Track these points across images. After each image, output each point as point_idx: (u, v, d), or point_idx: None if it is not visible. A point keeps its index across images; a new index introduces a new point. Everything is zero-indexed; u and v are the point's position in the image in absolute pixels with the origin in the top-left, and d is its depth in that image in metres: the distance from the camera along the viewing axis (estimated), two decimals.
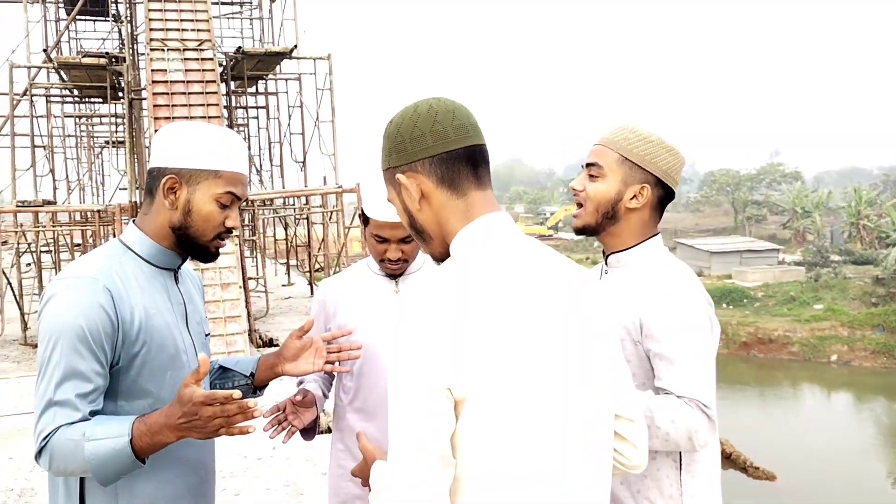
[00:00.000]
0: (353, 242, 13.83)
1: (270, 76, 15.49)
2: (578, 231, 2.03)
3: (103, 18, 16.23)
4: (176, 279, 1.86)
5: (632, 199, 1.91)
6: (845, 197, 43.93)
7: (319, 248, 14.89)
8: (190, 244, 1.80)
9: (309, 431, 2.45)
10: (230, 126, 14.31)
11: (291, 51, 13.05)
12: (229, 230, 1.83)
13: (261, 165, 16.77)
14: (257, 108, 17.68)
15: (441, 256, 1.41)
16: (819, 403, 26.83)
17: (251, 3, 17.08)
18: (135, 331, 1.67)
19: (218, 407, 1.56)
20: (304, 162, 15.28)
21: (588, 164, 1.97)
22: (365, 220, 2.40)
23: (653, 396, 1.76)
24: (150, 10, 11.85)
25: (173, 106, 11.14)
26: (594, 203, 1.94)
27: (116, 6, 14.93)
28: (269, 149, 16.78)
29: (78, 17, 14.87)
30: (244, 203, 12.86)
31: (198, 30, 11.86)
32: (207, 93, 11.34)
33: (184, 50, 11.61)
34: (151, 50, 11.42)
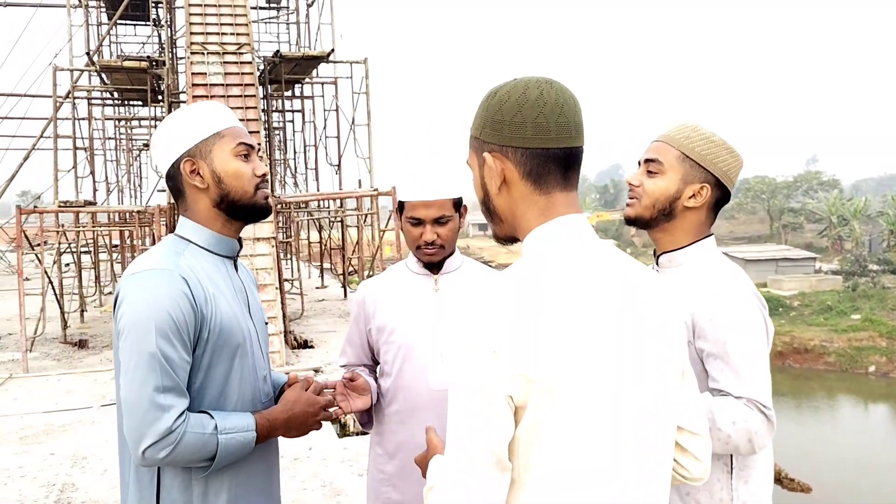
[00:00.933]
0: (386, 246, 13.83)
1: (307, 80, 15.63)
2: (629, 221, 1.99)
3: (144, 23, 16.54)
4: (235, 267, 1.89)
5: (690, 197, 1.88)
6: (884, 205, 43.02)
7: (354, 251, 14.96)
8: (238, 208, 1.82)
9: (366, 422, 2.46)
10: (267, 129, 14.44)
11: (329, 55, 13.15)
12: (263, 178, 1.84)
13: (296, 168, 16.91)
14: (293, 111, 17.87)
15: (505, 239, 1.39)
16: (856, 415, 26.28)
17: (288, 7, 17.27)
18: (209, 319, 1.69)
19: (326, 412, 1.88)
20: (339, 165, 15.37)
21: (647, 160, 1.94)
22: (400, 209, 2.41)
23: (712, 398, 1.73)
24: (190, 14, 12.01)
25: None
26: (651, 198, 1.92)
27: (157, 11, 15.19)
28: (305, 152, 16.93)
29: (119, 21, 15.14)
30: (278, 205, 13.02)
31: (237, 34, 12.00)
32: (246, 96, 11.46)
33: (223, 53, 11.75)
34: (192, 53, 11.57)
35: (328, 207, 16.72)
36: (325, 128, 15.99)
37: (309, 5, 16.17)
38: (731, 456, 1.79)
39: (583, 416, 1.19)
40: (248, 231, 10.42)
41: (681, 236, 1.93)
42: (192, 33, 11.83)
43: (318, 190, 16.10)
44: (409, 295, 2.43)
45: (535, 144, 1.27)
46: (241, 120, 9.56)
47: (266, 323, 1.97)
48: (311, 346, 11.09)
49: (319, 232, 18.01)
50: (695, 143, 1.90)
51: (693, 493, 1.80)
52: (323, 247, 18.04)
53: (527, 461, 1.18)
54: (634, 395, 1.23)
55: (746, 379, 1.73)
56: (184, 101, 14.64)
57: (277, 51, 13.90)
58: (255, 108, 11.48)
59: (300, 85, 15.92)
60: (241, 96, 11.48)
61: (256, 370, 1.83)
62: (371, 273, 14.20)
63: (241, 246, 1.91)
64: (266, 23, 17.31)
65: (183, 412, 1.62)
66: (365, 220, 14.15)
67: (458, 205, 2.38)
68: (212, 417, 1.66)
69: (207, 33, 11.91)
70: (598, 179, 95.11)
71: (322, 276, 17.93)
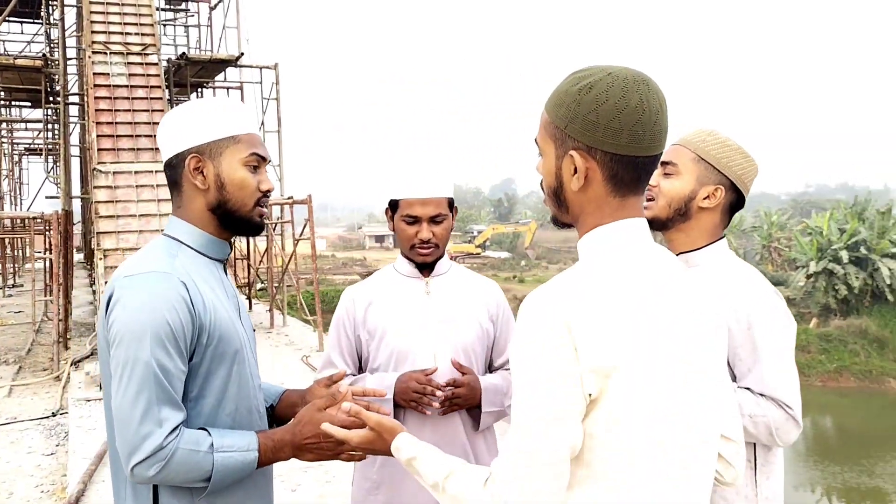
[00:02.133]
0: (301, 258, 13.54)
1: (210, 85, 15.17)
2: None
3: (31, 20, 15.60)
4: (224, 271, 1.79)
5: (705, 198, 1.92)
6: (757, 220, 45.98)
7: (260, 262, 14.57)
8: (233, 219, 1.71)
9: None
10: None
11: (238, 58, 12.83)
12: (266, 194, 1.74)
13: None
14: None
15: (563, 224, 1.38)
16: None
17: (188, 10, 16.74)
18: (207, 325, 1.59)
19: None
20: None
21: (662, 163, 1.97)
22: (393, 207, 2.37)
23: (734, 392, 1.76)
24: (91, 13, 11.46)
25: (116, 111, 10.76)
26: (667, 198, 1.95)
27: (48, 8, 14.36)
28: None
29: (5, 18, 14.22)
30: None
31: (142, 34, 11.53)
32: (152, 98, 11.01)
33: (127, 54, 11.26)
34: (94, 53, 11.02)
35: None
36: None
37: (212, 8, 15.74)
38: (755, 452, 1.84)
39: (651, 413, 1.19)
40: None
41: (697, 237, 1.96)
42: (93, 32, 11.27)
43: None
44: (400, 298, 2.38)
45: (627, 152, 1.24)
46: (145, 124, 9.21)
47: (254, 330, 1.88)
48: None
49: None
50: (710, 146, 1.94)
51: (720, 489, 1.83)
52: None
53: (593, 455, 1.18)
54: (694, 393, 1.25)
55: (771, 379, 1.78)
56: (76, 104, 13.91)
57: (184, 53, 13.44)
58: (162, 111, 11.03)
59: (203, 89, 15.44)
60: (146, 98, 11.01)
61: (252, 378, 1.73)
62: (279, 286, 13.88)
63: (231, 249, 1.82)
64: (165, 25, 16.68)
65: (177, 427, 1.51)
66: (274, 229, 13.82)
67: (451, 204, 2.37)
68: (209, 434, 1.55)
69: (110, 32, 11.39)
70: (492, 193, 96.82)
71: None
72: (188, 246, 1.68)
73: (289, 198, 11.72)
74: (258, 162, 1.72)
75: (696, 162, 1.94)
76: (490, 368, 2.45)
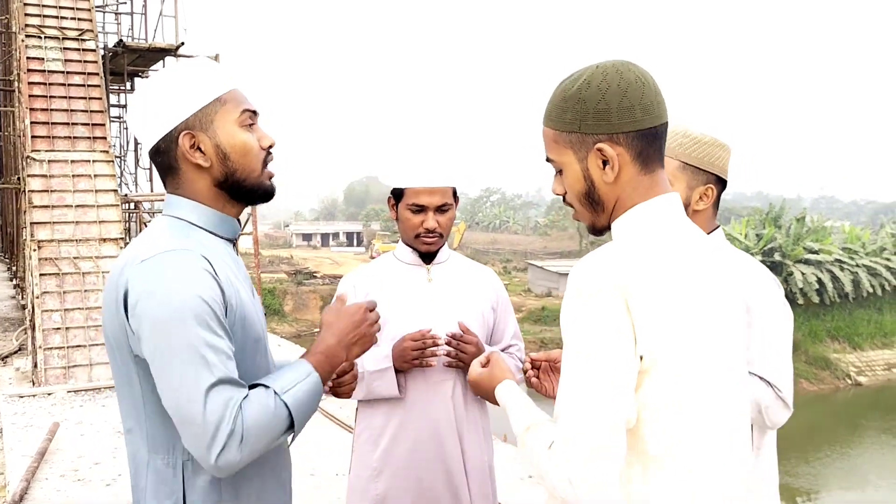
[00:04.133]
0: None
1: (146, 74, 14.72)
2: None
3: None
4: (235, 251, 1.65)
5: (699, 200, 1.93)
6: None
7: None
8: (244, 190, 1.56)
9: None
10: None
11: (178, 48, 12.52)
12: (269, 151, 1.60)
13: (132, 166, 15.82)
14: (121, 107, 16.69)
15: (600, 230, 1.40)
16: None
17: None
18: (235, 308, 1.46)
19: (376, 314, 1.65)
20: None
21: None
22: (396, 196, 2.36)
23: None
24: None
25: (51, 97, 10.37)
26: None
27: None
28: (136, 150, 15.89)
29: None
30: (125, 205, 12.10)
31: (78, 18, 11.12)
32: (90, 85, 10.66)
33: (63, 39, 10.84)
34: (27, 37, 10.57)
35: None
36: None
37: None
38: (752, 433, 1.87)
39: (700, 383, 1.22)
40: (94, 231, 9.67)
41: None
42: (27, 14, 10.81)
43: (151, 190, 15.18)
44: (403, 285, 2.38)
45: (645, 125, 1.28)
46: (82, 111, 8.91)
47: (265, 315, 1.77)
48: None
49: None
50: (689, 148, 1.93)
51: None
52: None
53: (646, 429, 1.20)
54: (731, 364, 1.29)
55: (764, 360, 1.84)
56: (6, 90, 13.30)
57: (121, 40, 13.02)
58: (100, 98, 10.71)
59: (139, 78, 14.97)
60: (83, 86, 10.65)
61: (270, 369, 1.59)
62: None
63: (241, 225, 1.67)
64: (98, 11, 16.09)
65: (240, 404, 1.37)
66: None
67: (454, 194, 2.38)
68: (265, 386, 1.43)
69: (44, 16, 10.94)
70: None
71: None
72: (197, 226, 1.52)
73: None
74: (251, 118, 1.57)
75: (682, 170, 1.93)
76: None
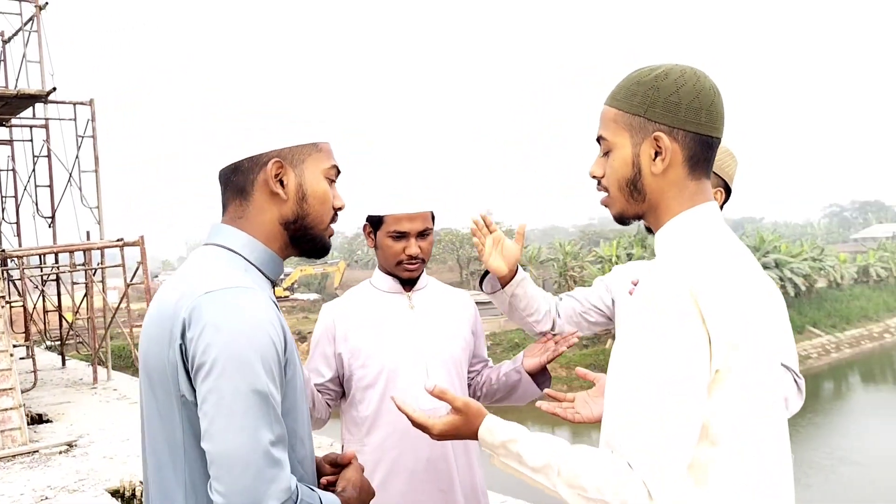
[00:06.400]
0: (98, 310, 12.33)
1: (8, 124, 13.79)
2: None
3: None
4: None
5: None
6: (552, 251, 49.14)
7: (76, 314, 13.35)
8: (307, 237, 1.53)
9: None
10: None
11: (48, 94, 11.82)
12: (337, 212, 1.58)
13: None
14: None
15: (630, 218, 1.41)
16: None
17: None
18: (291, 352, 1.41)
19: None
20: (52, 217, 13.71)
21: None
22: (375, 223, 2.32)
23: None
24: None
25: None
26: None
27: None
28: (2, 203, 14.79)
29: None
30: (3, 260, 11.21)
31: None
32: None
33: None
34: None
35: (44, 264, 14.73)
36: (31, 175, 14.17)
37: (5, 42, 14.36)
38: None
39: (764, 388, 1.24)
40: None
41: None
42: None
43: (20, 245, 14.16)
44: (384, 315, 2.32)
45: (705, 131, 1.30)
46: None
47: None
48: (49, 421, 9.74)
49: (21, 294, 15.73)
50: None
51: None
52: (29, 311, 15.75)
53: (718, 431, 1.20)
54: (780, 366, 1.32)
55: (787, 351, 1.87)
56: None
57: None
58: None
59: (4, 127, 14.02)
60: None
61: (307, 423, 1.53)
62: (102, 343, 12.79)
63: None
64: None
65: (296, 486, 1.31)
66: (94, 274, 12.76)
67: (432, 216, 2.36)
68: (311, 489, 1.37)
69: None
70: None
71: (31, 346, 15.70)
72: (249, 262, 1.46)
73: (118, 239, 10.92)
74: (335, 175, 1.57)
75: None
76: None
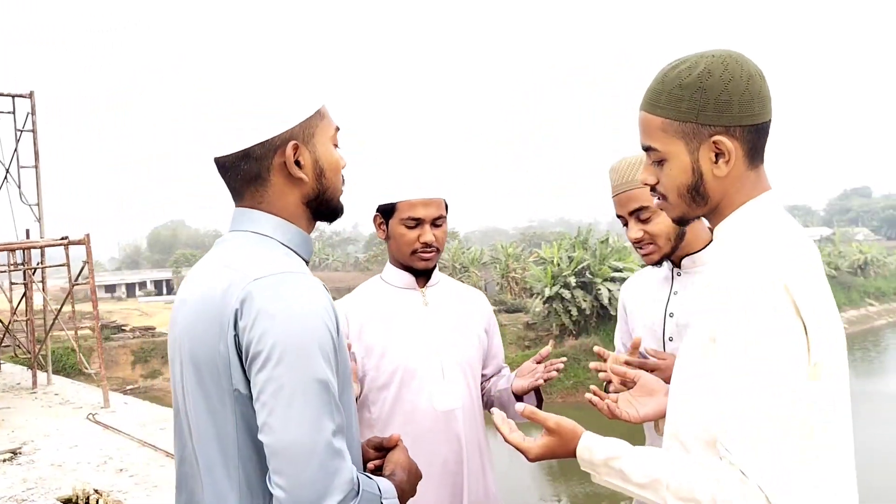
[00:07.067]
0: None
1: None
2: (656, 264, 2.04)
3: None
4: None
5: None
6: (494, 253, 49.49)
7: (13, 314, 12.78)
8: (330, 208, 1.49)
9: None
10: None
11: None
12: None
13: None
14: None
15: (686, 221, 1.38)
16: None
17: None
18: (340, 338, 1.36)
19: None
20: None
21: (632, 212, 1.98)
22: (386, 212, 2.24)
23: None
24: None
25: None
26: (664, 236, 1.98)
27: None
28: None
29: None
30: None
31: None
32: None
33: None
34: None
35: None
36: None
37: None
38: None
39: (844, 379, 1.22)
40: None
41: (695, 239, 2.03)
42: None
43: None
44: (398, 312, 2.24)
45: (760, 119, 1.25)
46: None
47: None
48: None
49: None
50: None
51: None
52: None
53: (815, 423, 1.17)
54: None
55: None
56: None
57: None
58: None
59: None
60: None
61: (354, 408, 1.47)
62: (42, 347, 12.28)
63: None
64: None
65: (357, 477, 1.26)
66: (33, 273, 12.23)
67: (446, 206, 2.28)
68: (369, 477, 1.32)
69: None
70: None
71: None
72: (284, 245, 1.40)
73: (63, 238, 10.49)
74: (337, 134, 1.49)
75: None
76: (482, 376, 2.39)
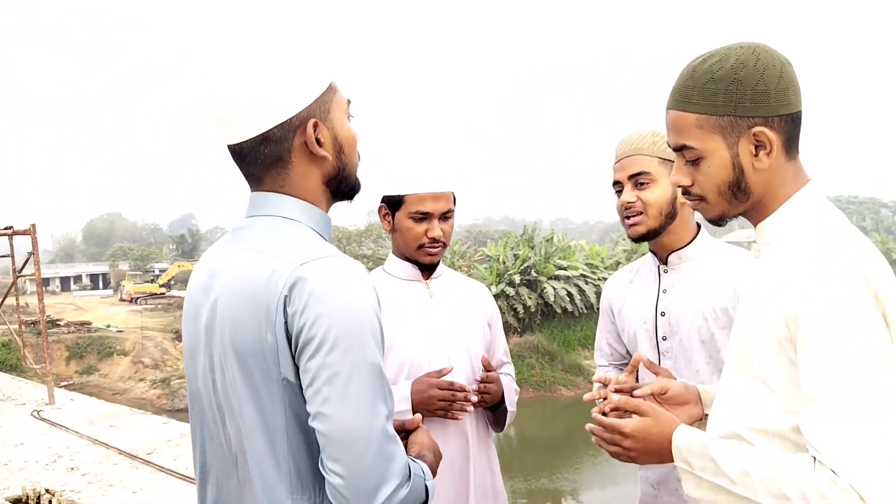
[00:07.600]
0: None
1: None
2: (641, 238, 2.01)
3: None
4: None
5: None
6: None
7: None
8: (349, 186, 1.46)
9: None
10: None
11: None
12: None
13: None
14: None
15: (726, 220, 1.34)
16: None
17: None
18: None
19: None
20: None
21: (631, 176, 1.98)
22: (393, 205, 2.19)
23: None
24: None
25: None
26: (656, 208, 1.96)
27: None
28: None
29: None
30: None
31: None
32: None
33: None
34: None
35: None
36: None
37: None
38: None
39: None
40: None
41: (682, 233, 2.03)
42: None
43: None
44: (403, 305, 2.20)
45: (795, 108, 1.24)
46: None
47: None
48: None
49: None
50: (663, 146, 1.96)
51: None
52: None
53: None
54: None
55: None
56: None
57: None
58: None
59: None
60: None
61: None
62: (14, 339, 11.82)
63: None
64: None
65: (408, 464, 1.26)
66: None
67: (455, 200, 2.25)
68: (413, 461, 1.32)
69: None
70: (172, 230, 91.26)
71: None
72: (312, 228, 1.37)
73: (7, 227, 10.14)
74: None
75: (662, 164, 1.96)
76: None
